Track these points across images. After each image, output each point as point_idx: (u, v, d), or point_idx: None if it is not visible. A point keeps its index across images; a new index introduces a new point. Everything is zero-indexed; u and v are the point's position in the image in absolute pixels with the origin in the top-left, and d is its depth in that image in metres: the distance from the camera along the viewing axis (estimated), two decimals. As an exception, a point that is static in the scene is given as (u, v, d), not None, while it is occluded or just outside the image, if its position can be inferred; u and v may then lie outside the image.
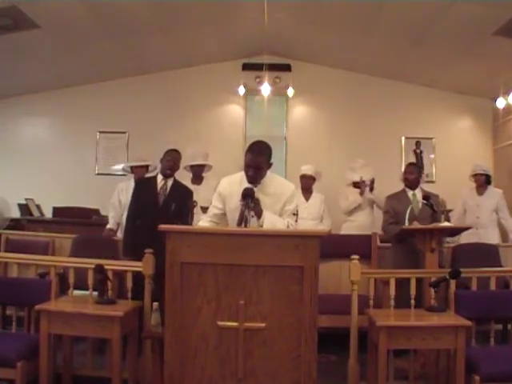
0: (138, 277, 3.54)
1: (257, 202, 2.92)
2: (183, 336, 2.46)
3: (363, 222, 5.71)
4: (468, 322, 3.09)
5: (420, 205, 4.29)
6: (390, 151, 7.42)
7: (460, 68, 6.57)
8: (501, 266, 4.41)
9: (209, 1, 5.62)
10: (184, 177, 5.16)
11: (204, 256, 2.46)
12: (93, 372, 3.51)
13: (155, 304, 3.12)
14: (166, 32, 6.31)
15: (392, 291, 3.50)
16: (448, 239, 4.79)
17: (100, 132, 7.62)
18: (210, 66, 7.49)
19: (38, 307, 3.17)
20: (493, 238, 5.29)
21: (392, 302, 3.47)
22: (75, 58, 6.58)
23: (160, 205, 4.18)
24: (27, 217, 6.38)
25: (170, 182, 4.27)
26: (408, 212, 4.05)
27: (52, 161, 7.43)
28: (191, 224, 4.12)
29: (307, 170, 5.84)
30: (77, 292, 3.62)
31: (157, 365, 3.04)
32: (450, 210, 5.31)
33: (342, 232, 5.69)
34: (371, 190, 5.75)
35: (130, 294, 3.50)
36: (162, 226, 2.50)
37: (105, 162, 7.60)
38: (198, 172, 5.45)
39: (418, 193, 4.41)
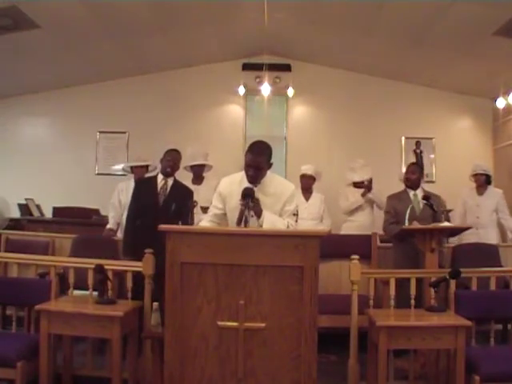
0: (138, 277, 3.53)
1: (256, 202, 2.92)
2: (183, 336, 2.46)
3: (363, 222, 5.70)
4: (468, 322, 3.09)
5: (421, 205, 4.29)
6: (390, 151, 7.43)
7: (460, 68, 6.57)
8: (501, 266, 4.41)
9: (209, 1, 5.62)
10: (185, 177, 5.16)
11: (204, 256, 2.46)
12: (93, 372, 3.51)
13: (155, 304, 3.11)
14: (166, 32, 6.31)
15: (392, 291, 3.50)
16: (451, 239, 4.80)
17: (100, 132, 7.62)
18: (209, 66, 7.49)
19: (37, 307, 3.17)
20: (493, 238, 5.30)
21: (392, 302, 3.47)
22: (75, 57, 6.58)
23: (160, 205, 4.18)
24: (27, 217, 6.38)
25: (170, 182, 4.27)
26: (408, 212, 4.05)
27: (52, 161, 7.43)
28: (191, 224, 4.12)
29: (307, 169, 5.84)
30: (77, 292, 3.62)
31: (157, 365, 3.04)
32: (450, 210, 5.32)
33: (342, 232, 5.69)
34: (369, 189, 5.74)
35: (129, 294, 3.50)
36: (162, 226, 2.50)
37: (105, 161, 7.60)
38: (198, 172, 5.46)
39: (420, 193, 4.41)
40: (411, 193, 4.46)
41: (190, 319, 2.46)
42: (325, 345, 3.22)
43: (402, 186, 4.62)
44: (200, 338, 2.46)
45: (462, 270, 3.40)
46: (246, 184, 2.99)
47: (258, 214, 2.93)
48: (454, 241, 4.94)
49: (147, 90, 7.41)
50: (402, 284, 3.58)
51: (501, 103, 6.64)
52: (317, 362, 2.44)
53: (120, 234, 4.98)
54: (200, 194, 5.01)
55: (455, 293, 3.41)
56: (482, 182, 5.47)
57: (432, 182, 7.22)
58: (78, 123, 7.55)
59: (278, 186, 3.10)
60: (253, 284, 2.45)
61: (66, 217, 6.15)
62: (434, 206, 3.98)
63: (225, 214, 3.13)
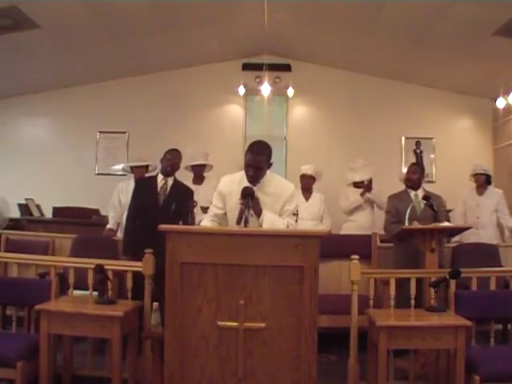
0: (137, 277, 3.53)
1: (256, 201, 2.92)
2: (183, 336, 2.46)
3: (363, 222, 5.71)
4: (468, 322, 3.08)
5: (422, 205, 4.29)
6: (390, 151, 7.43)
7: (460, 68, 6.57)
8: (501, 266, 4.41)
9: (209, 1, 5.62)
10: (185, 177, 5.16)
11: (204, 256, 2.47)
12: (93, 372, 3.51)
13: (155, 304, 3.11)
14: (166, 32, 6.31)
15: (392, 291, 3.50)
16: (453, 239, 4.81)
17: (100, 132, 7.62)
18: (210, 66, 7.49)
19: (37, 307, 3.17)
20: (493, 238, 5.29)
21: (392, 302, 3.47)
22: (75, 57, 6.58)
23: (160, 205, 4.18)
24: (27, 217, 6.38)
25: (170, 182, 4.27)
26: (408, 211, 4.05)
27: (52, 161, 7.43)
28: (192, 224, 4.11)
29: (307, 169, 5.84)
30: (77, 292, 3.62)
31: (157, 365, 3.04)
32: (450, 210, 5.32)
33: (342, 232, 5.69)
34: (369, 189, 5.75)
35: (129, 294, 3.50)
36: (162, 226, 2.51)
37: (105, 162, 7.61)
38: (199, 172, 5.46)
39: (421, 193, 4.40)
40: (412, 193, 4.45)
41: (189, 319, 2.46)
42: (325, 345, 3.22)
43: (401, 186, 4.62)
44: (200, 338, 2.46)
45: (462, 270, 3.40)
46: (246, 183, 2.99)
47: (258, 213, 2.93)
48: (456, 240, 4.94)
49: (147, 90, 7.41)
50: (402, 284, 3.58)
51: (501, 103, 6.64)
52: (317, 362, 2.45)
53: (120, 234, 4.98)
54: (200, 194, 5.01)
55: (455, 293, 3.41)
56: (482, 181, 5.47)
57: (432, 182, 7.21)
58: (78, 123, 7.55)
59: (277, 185, 3.10)
60: (253, 284, 2.45)
61: (66, 217, 6.15)
62: (434, 206, 3.98)
63: (225, 214, 3.13)
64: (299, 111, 7.72)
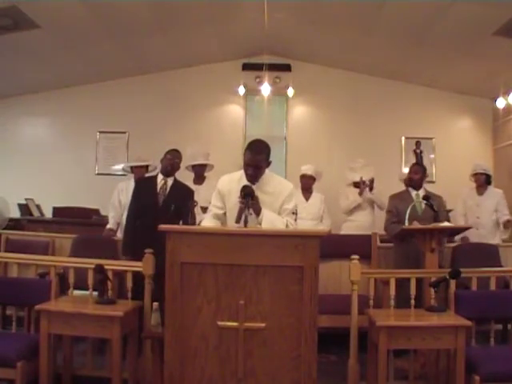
0: (137, 277, 3.53)
1: (256, 200, 2.91)
2: (183, 336, 2.46)
3: (363, 222, 5.71)
4: (468, 322, 3.08)
5: (423, 205, 4.29)
6: (390, 151, 7.42)
7: (460, 68, 6.57)
8: (501, 266, 4.41)
9: (209, 1, 5.62)
10: (186, 177, 5.16)
11: (204, 256, 2.47)
12: (93, 372, 3.51)
13: (155, 304, 3.11)
14: (166, 32, 6.31)
15: (392, 291, 3.50)
16: (455, 238, 4.80)
17: (100, 132, 7.62)
18: (210, 66, 7.49)
19: (37, 307, 3.17)
20: (493, 237, 5.29)
21: (392, 302, 3.47)
22: (75, 57, 6.59)
23: (160, 205, 4.18)
24: (27, 217, 6.38)
25: (169, 182, 4.27)
26: (408, 211, 4.05)
27: (52, 161, 7.43)
28: (192, 224, 4.11)
29: (307, 169, 5.84)
30: (77, 292, 3.62)
31: (157, 365, 3.04)
32: (450, 210, 5.32)
33: (342, 232, 5.69)
34: (370, 189, 5.75)
35: (129, 294, 3.50)
36: (162, 226, 2.50)
37: (105, 162, 7.61)
38: (199, 172, 5.46)
39: (422, 193, 4.40)
40: (413, 193, 4.46)
41: (190, 319, 2.47)
42: (325, 345, 3.22)
43: (402, 186, 4.62)
44: (200, 338, 2.46)
45: (462, 270, 3.40)
46: (245, 182, 2.99)
47: (257, 212, 2.92)
48: (457, 239, 4.94)
49: (147, 90, 7.42)
50: (402, 284, 3.58)
51: (501, 103, 6.64)
52: (317, 362, 2.45)
53: (120, 234, 4.98)
54: (201, 193, 5.00)
55: (455, 293, 3.41)
56: (482, 181, 5.46)
57: (432, 182, 7.20)
58: (78, 123, 7.55)
59: (276, 184, 3.10)
60: (253, 284, 2.45)
61: (66, 217, 6.15)
62: (434, 206, 3.98)
63: (225, 214, 3.13)
64: (299, 111, 7.72)
